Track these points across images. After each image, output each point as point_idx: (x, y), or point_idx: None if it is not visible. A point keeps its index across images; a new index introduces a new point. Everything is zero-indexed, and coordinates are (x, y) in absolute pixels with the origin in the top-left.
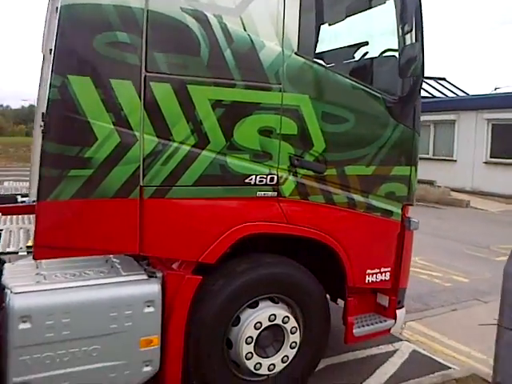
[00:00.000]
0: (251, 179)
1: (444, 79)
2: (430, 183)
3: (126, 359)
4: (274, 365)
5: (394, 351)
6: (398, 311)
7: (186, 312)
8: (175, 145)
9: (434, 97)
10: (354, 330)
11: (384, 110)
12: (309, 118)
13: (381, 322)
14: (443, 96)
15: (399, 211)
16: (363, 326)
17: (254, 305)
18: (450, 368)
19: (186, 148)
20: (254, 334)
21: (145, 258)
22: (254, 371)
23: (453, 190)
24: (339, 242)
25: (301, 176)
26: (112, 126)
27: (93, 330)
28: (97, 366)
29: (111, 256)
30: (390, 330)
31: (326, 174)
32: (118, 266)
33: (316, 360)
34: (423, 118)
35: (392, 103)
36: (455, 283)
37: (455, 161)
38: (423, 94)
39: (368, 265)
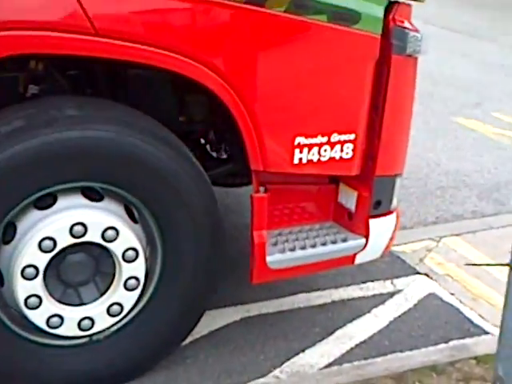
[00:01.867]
0: None
1: None
2: None
3: None
4: (91, 319)
5: (391, 294)
6: (374, 221)
7: None
8: None
9: None
10: (267, 258)
11: None
12: None
13: (334, 241)
14: None
15: (378, 13)
16: (291, 248)
17: (50, 202)
18: (487, 333)
19: None
20: (41, 259)
21: None
22: (50, 330)
23: None
24: (222, 76)
25: None
26: None
27: None
28: None
29: None
30: (354, 256)
31: None
32: None
33: (192, 312)
34: None
35: None
36: None
37: None
38: None
39: (297, 126)
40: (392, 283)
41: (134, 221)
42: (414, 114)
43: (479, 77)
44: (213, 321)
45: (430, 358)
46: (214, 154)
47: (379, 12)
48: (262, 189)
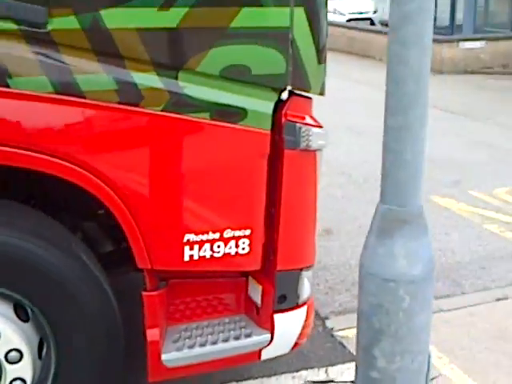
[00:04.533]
0: None
1: None
2: None
3: None
4: None
5: None
6: (279, 316)
7: None
8: None
9: None
10: (162, 356)
11: None
12: None
13: (237, 336)
14: None
15: (267, 109)
16: (190, 345)
17: None
18: None
19: None
20: None
21: None
22: None
23: None
24: (100, 176)
25: None
26: None
27: None
28: None
29: None
30: (260, 352)
31: (50, 28)
32: None
33: None
34: None
35: None
36: None
37: None
38: None
39: (186, 224)
40: (326, 372)
41: (26, 319)
42: None
43: (465, 156)
44: None
45: None
46: None
47: (267, 108)
48: (162, 283)
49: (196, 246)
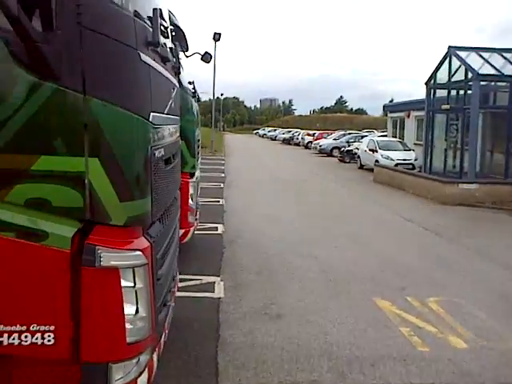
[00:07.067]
0: None
1: None
2: None
3: None
4: None
5: None
6: None
7: None
8: None
9: None
10: None
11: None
12: None
13: None
14: None
15: (66, 233)
16: None
17: None
18: None
19: None
20: None
21: None
22: None
23: None
24: None
25: None
26: None
27: None
28: None
29: None
30: None
31: None
32: None
33: None
34: None
35: (17, 45)
36: (439, 349)
37: None
38: None
39: None
40: None
41: None
42: (338, 292)
43: (420, 265)
44: None
45: None
46: None
47: (68, 233)
48: None
49: (5, 335)
